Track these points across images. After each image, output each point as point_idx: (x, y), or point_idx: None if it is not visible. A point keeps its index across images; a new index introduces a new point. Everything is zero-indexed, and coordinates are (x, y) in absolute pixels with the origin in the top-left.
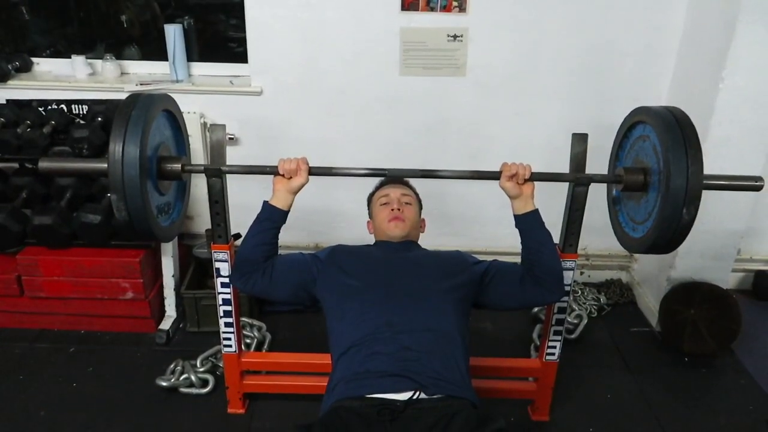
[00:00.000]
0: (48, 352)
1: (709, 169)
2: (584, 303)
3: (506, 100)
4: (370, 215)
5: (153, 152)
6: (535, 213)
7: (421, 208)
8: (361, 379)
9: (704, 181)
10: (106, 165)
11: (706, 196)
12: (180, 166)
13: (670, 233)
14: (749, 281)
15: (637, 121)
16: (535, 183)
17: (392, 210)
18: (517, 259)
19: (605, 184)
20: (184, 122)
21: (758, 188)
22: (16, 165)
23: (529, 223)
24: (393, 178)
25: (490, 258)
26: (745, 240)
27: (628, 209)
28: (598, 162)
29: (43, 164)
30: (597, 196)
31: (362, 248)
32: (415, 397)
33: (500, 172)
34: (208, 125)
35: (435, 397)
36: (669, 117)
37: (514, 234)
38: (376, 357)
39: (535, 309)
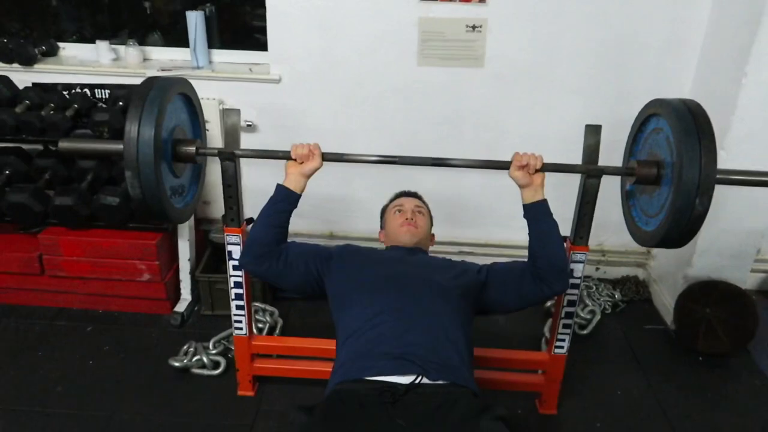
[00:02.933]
0: (66, 330)
1: (730, 165)
2: (598, 299)
3: (524, 92)
4: (383, 225)
5: (168, 134)
6: (544, 203)
7: (432, 223)
8: (364, 360)
9: (720, 176)
10: (122, 146)
11: (726, 193)
12: (194, 149)
13: (682, 225)
14: None
15: (651, 113)
16: (549, 176)
17: (406, 219)
18: None
19: (621, 179)
20: (201, 106)
21: None
22: (40, 146)
23: (537, 213)
24: (407, 192)
25: (503, 250)
26: (766, 240)
27: (641, 203)
28: (615, 156)
29: (63, 144)
30: (614, 191)
31: (373, 249)
32: (417, 381)
33: (511, 162)
34: None
35: (437, 383)
36: (682, 108)
37: (525, 228)
38: (381, 339)
39: (548, 303)
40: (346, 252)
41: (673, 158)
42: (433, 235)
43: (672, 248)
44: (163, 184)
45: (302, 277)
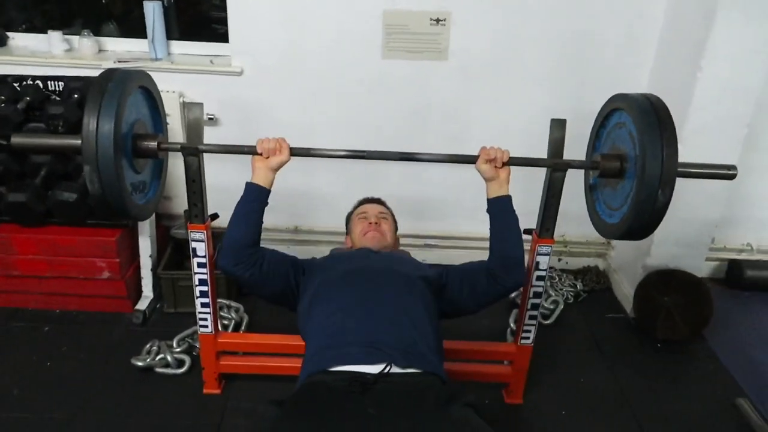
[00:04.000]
0: (22, 331)
1: (686, 157)
2: (561, 289)
3: (488, 85)
4: (348, 232)
5: (128, 129)
6: (507, 199)
7: (396, 228)
8: (332, 350)
9: (680, 169)
10: (80, 141)
11: (682, 184)
12: (156, 143)
13: (645, 216)
14: (723, 270)
15: (613, 108)
16: (514, 169)
17: (370, 224)
18: None
19: (583, 173)
20: (162, 100)
21: (731, 177)
22: None
23: (500, 208)
24: (371, 198)
25: (468, 242)
26: (720, 229)
27: (605, 197)
28: (577, 150)
29: (16, 140)
30: (575, 184)
31: (341, 253)
32: (386, 370)
33: (478, 156)
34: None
35: (406, 371)
36: (644, 102)
37: None
38: (347, 330)
39: (513, 295)
40: (315, 263)
41: (636, 152)
42: (397, 238)
43: (635, 240)
44: (124, 179)
45: (281, 288)
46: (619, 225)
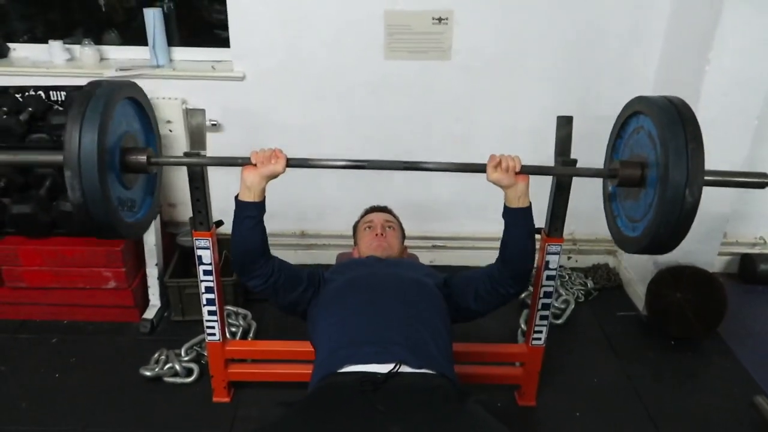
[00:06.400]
0: (30, 343)
1: None
2: (571, 288)
3: (492, 83)
4: (356, 242)
5: (116, 141)
6: (528, 209)
7: (404, 236)
8: (343, 350)
9: (706, 177)
10: (62, 157)
11: None
12: (145, 157)
13: (672, 220)
14: (736, 264)
15: (630, 114)
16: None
17: (376, 235)
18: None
19: (603, 183)
20: (154, 114)
21: (763, 186)
22: None
23: (519, 219)
24: (377, 207)
25: (476, 243)
26: (731, 223)
27: (626, 209)
28: (585, 147)
29: None
30: (584, 181)
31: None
32: (396, 369)
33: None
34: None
35: (417, 371)
36: (663, 101)
37: (499, 220)
38: (357, 332)
39: (523, 295)
40: (326, 275)
41: (657, 152)
42: (405, 247)
43: (662, 252)
44: (109, 190)
45: (295, 299)
46: (643, 235)
